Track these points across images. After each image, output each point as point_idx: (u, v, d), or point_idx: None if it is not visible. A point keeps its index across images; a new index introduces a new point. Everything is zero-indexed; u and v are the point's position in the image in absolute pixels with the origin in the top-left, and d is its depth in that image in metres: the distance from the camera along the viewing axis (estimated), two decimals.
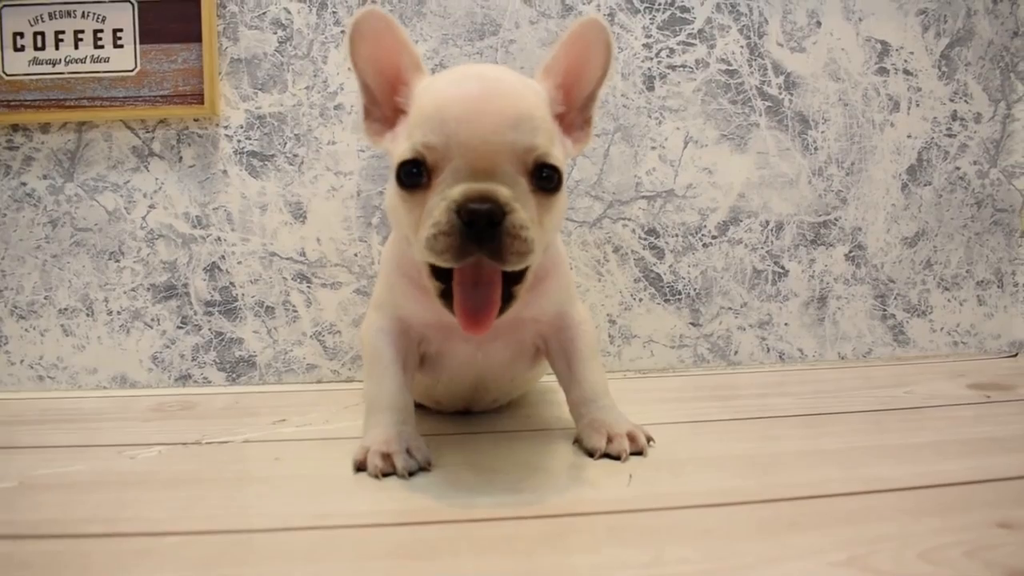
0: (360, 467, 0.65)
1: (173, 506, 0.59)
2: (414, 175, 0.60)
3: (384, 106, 0.68)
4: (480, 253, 0.57)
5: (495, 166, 0.58)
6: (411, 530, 0.54)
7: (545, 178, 0.60)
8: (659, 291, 1.08)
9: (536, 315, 0.73)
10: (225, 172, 1.04)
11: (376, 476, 0.63)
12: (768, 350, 1.10)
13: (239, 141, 1.04)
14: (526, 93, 0.61)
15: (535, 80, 0.66)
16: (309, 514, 0.57)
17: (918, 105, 1.11)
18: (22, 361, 1.04)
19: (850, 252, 1.11)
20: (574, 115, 0.68)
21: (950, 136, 1.12)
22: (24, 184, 1.03)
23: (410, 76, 0.66)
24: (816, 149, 1.10)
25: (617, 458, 0.67)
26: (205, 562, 0.49)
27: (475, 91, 0.60)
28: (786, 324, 1.10)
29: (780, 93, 1.09)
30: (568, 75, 0.66)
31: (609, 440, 0.68)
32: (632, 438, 0.69)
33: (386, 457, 0.64)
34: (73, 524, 0.56)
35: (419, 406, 0.83)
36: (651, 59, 1.07)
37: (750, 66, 1.08)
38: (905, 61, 1.11)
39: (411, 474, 0.64)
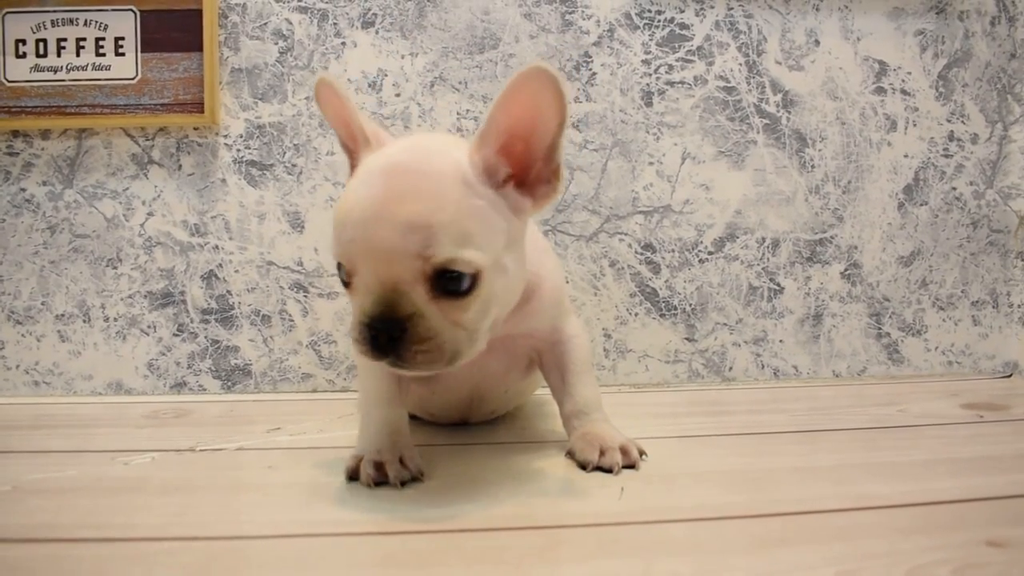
0: (353, 475, 0.65)
1: (165, 512, 0.59)
2: (341, 275, 0.62)
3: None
4: (389, 360, 0.58)
5: (394, 276, 0.57)
6: (401, 539, 0.54)
7: (451, 280, 0.57)
8: (655, 306, 1.09)
9: (528, 331, 0.73)
10: (224, 181, 1.04)
11: (368, 485, 0.64)
12: (763, 367, 1.10)
13: (238, 150, 1.04)
14: (431, 189, 0.58)
15: (469, 151, 0.61)
16: (301, 521, 0.57)
17: (915, 125, 1.12)
18: (18, 366, 1.04)
19: (846, 270, 1.11)
20: (538, 169, 0.62)
21: (947, 156, 1.12)
22: (23, 190, 1.03)
23: (360, 148, 0.65)
24: (813, 167, 1.10)
25: (609, 471, 0.67)
26: (196, 568, 0.49)
27: (375, 193, 0.58)
28: (781, 341, 1.10)
29: (778, 111, 1.09)
30: (515, 134, 0.60)
31: (601, 453, 0.68)
32: (624, 451, 0.69)
33: (379, 466, 0.65)
34: (65, 529, 0.56)
35: (414, 418, 0.83)
36: (650, 75, 1.08)
37: (748, 84, 1.09)
38: (903, 81, 1.11)
39: (403, 484, 0.64)
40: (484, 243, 0.58)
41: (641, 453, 0.70)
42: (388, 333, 0.57)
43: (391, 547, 0.53)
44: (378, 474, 0.64)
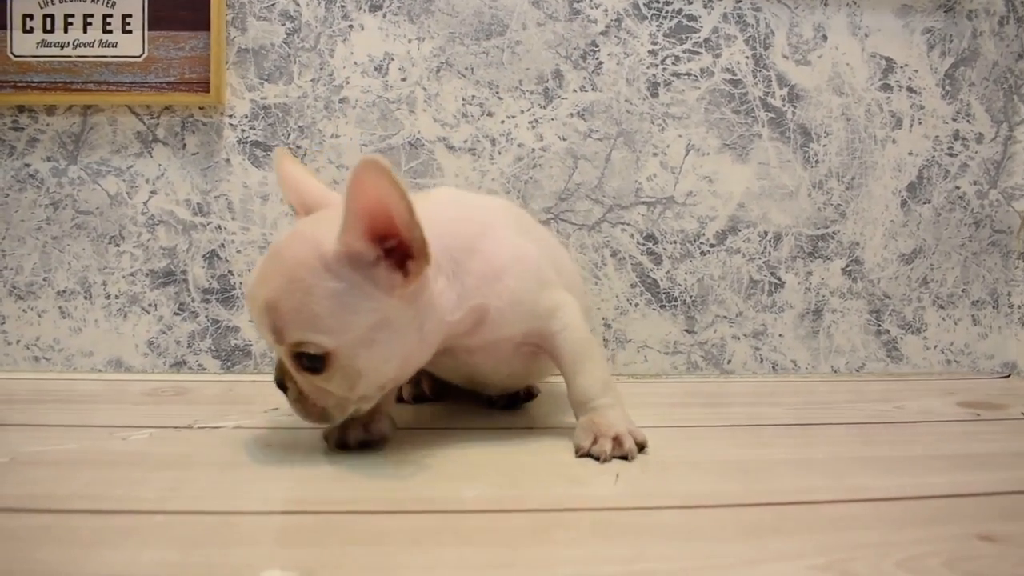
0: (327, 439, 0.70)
1: (161, 487, 0.59)
2: None
3: None
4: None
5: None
6: (396, 518, 0.54)
7: (305, 358, 0.62)
8: (655, 297, 1.09)
9: (501, 339, 0.73)
10: (228, 161, 1.04)
11: (331, 447, 0.69)
12: (761, 360, 1.11)
13: (243, 131, 1.04)
14: (286, 275, 0.62)
15: (337, 239, 0.62)
16: (296, 499, 0.58)
17: (920, 123, 1.12)
18: (18, 341, 1.04)
19: (847, 266, 1.11)
20: (407, 245, 0.62)
21: (951, 155, 1.12)
22: (28, 165, 1.03)
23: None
24: (817, 162, 1.10)
25: (597, 459, 0.67)
26: (190, 541, 0.49)
27: (254, 275, 0.65)
28: (780, 335, 1.11)
29: (783, 105, 1.09)
30: (373, 218, 0.61)
31: (594, 441, 0.69)
32: (617, 441, 0.68)
33: (343, 429, 0.69)
34: (62, 500, 0.56)
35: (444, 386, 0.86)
36: (656, 66, 1.07)
37: (754, 77, 1.09)
38: (909, 79, 1.11)
39: (362, 445, 0.68)
40: (336, 326, 0.61)
41: (641, 446, 0.70)
42: (280, 386, 0.67)
43: (386, 525, 0.53)
44: (340, 435, 0.69)
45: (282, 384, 0.66)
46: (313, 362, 0.62)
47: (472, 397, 0.88)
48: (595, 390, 0.73)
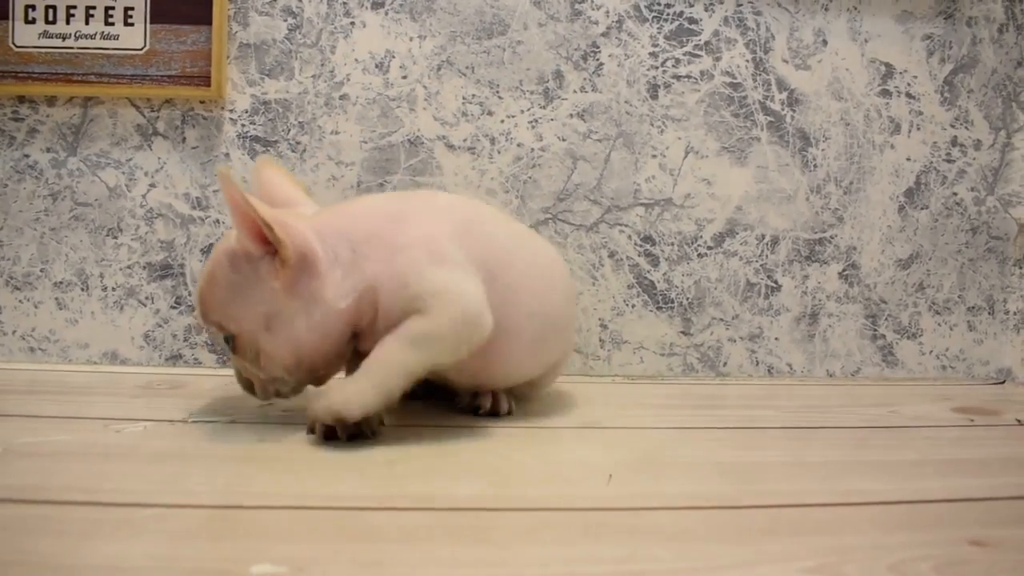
0: (312, 431, 0.72)
1: (155, 479, 0.59)
2: None
3: None
4: None
5: None
6: (388, 515, 0.54)
7: (224, 338, 0.73)
8: (652, 298, 1.09)
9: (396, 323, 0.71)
10: (228, 155, 1.04)
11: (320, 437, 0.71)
12: (757, 363, 1.11)
13: (243, 125, 1.04)
14: (208, 269, 0.73)
15: (235, 239, 0.71)
16: (290, 494, 0.58)
17: (919, 129, 1.12)
18: (14, 332, 1.04)
19: (844, 271, 1.12)
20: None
21: (949, 161, 1.13)
22: (27, 156, 1.03)
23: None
24: (815, 167, 1.10)
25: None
26: (184, 535, 0.49)
27: None
28: (776, 338, 1.11)
29: (783, 109, 1.09)
30: (246, 221, 0.68)
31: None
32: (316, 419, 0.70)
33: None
34: (54, 491, 0.56)
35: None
36: (656, 68, 1.08)
37: (754, 80, 1.09)
38: (908, 84, 1.11)
39: (351, 438, 0.70)
40: (236, 312, 0.71)
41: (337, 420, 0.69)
42: None
43: (379, 521, 0.53)
44: (327, 429, 0.70)
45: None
46: (227, 342, 0.73)
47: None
48: (366, 366, 0.69)
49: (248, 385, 0.76)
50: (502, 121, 1.06)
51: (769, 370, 1.11)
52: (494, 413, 0.82)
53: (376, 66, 1.05)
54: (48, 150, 1.03)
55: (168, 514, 0.52)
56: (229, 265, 0.71)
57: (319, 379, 0.76)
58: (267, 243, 0.69)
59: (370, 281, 0.71)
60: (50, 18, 1.02)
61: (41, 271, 1.04)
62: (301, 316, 0.70)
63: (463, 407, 0.84)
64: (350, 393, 0.68)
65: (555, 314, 0.81)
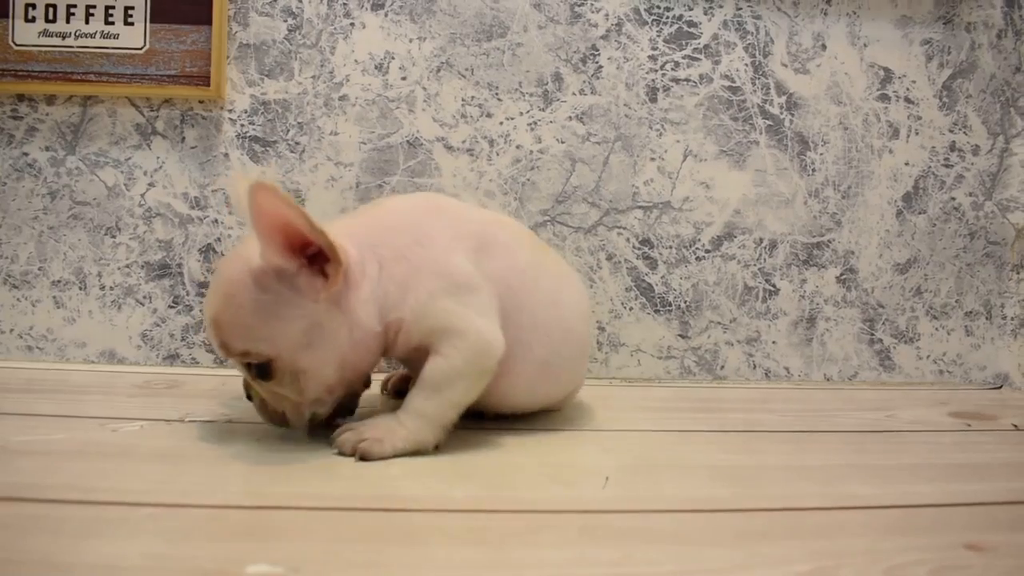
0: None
1: (151, 479, 0.59)
2: None
3: None
4: None
5: None
6: (386, 516, 0.54)
7: (253, 367, 0.68)
8: (650, 301, 1.09)
9: (414, 347, 0.72)
10: (226, 155, 1.04)
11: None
12: (755, 367, 1.11)
13: (242, 125, 1.04)
14: (223, 292, 0.67)
15: (259, 256, 0.66)
16: (286, 494, 0.58)
17: (917, 133, 1.12)
18: (12, 330, 1.04)
19: (841, 275, 1.12)
20: (322, 252, 0.66)
21: (947, 166, 1.13)
22: (26, 154, 1.03)
23: None
24: (814, 171, 1.11)
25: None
26: (179, 534, 0.49)
27: (208, 293, 0.70)
28: (774, 342, 1.11)
29: (781, 113, 1.10)
30: (282, 233, 0.64)
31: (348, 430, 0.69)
32: (360, 442, 0.67)
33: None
34: (51, 490, 0.56)
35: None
36: (655, 71, 1.08)
37: (753, 84, 1.09)
38: (907, 89, 1.12)
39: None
40: (270, 334, 0.66)
41: (361, 457, 0.67)
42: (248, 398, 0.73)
43: (375, 523, 0.53)
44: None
45: (249, 395, 0.72)
46: (260, 370, 0.67)
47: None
48: (412, 408, 0.70)
49: (276, 416, 0.71)
50: (501, 123, 1.06)
51: (767, 374, 1.11)
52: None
53: (376, 67, 1.05)
54: (47, 148, 1.03)
55: (164, 513, 0.52)
56: (255, 286, 0.66)
57: (351, 395, 0.75)
58: (302, 254, 0.66)
59: (397, 312, 0.70)
60: (50, 17, 1.02)
61: (39, 270, 1.04)
62: (344, 330, 0.68)
63: None
64: (383, 434, 0.68)
65: (571, 337, 0.80)
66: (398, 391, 0.89)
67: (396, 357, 0.76)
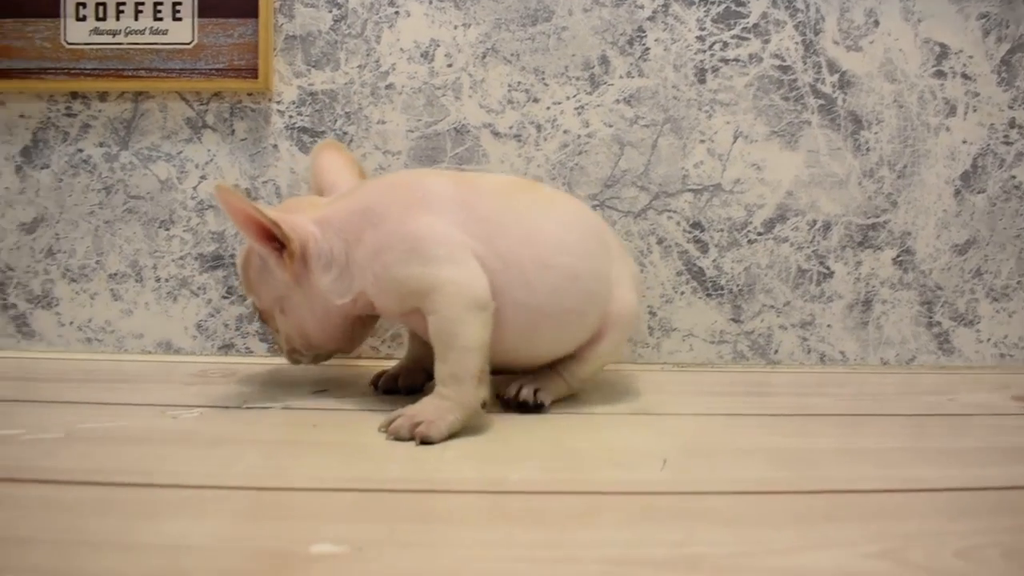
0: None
1: (212, 463, 0.60)
2: None
3: None
4: None
5: None
6: (443, 497, 0.54)
7: (256, 309, 0.86)
8: (701, 285, 1.08)
9: (394, 313, 0.79)
10: (276, 147, 1.05)
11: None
12: (809, 351, 1.09)
13: (290, 117, 1.05)
14: (245, 252, 0.84)
15: None
16: (344, 477, 0.58)
17: (975, 110, 1.09)
18: (71, 323, 1.06)
19: (898, 256, 1.09)
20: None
21: (1007, 144, 1.10)
22: (81, 151, 1.05)
23: None
24: (868, 150, 1.08)
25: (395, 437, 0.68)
26: (244, 515, 0.50)
27: None
28: (829, 326, 1.09)
29: (834, 92, 1.07)
30: (251, 226, 0.76)
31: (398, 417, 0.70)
32: (414, 427, 0.68)
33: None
34: (114, 474, 0.57)
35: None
36: (704, 52, 1.06)
37: (804, 63, 1.07)
38: (964, 65, 1.09)
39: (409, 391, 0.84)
40: (259, 291, 0.83)
41: (425, 441, 0.67)
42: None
43: (432, 504, 0.53)
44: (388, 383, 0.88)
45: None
46: (259, 313, 0.85)
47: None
48: (441, 378, 0.72)
49: (279, 346, 0.88)
50: (548, 108, 1.06)
51: (821, 358, 1.09)
52: (523, 405, 0.79)
53: (421, 55, 1.05)
54: (101, 144, 1.05)
55: (227, 496, 0.53)
56: (255, 253, 0.80)
57: (338, 353, 0.87)
58: (272, 241, 0.76)
59: (360, 288, 0.77)
60: (100, 15, 1.03)
61: (96, 263, 1.06)
62: (304, 306, 0.80)
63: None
64: (432, 414, 0.69)
65: (550, 273, 0.77)
66: (388, 389, 0.88)
67: (403, 324, 0.90)
